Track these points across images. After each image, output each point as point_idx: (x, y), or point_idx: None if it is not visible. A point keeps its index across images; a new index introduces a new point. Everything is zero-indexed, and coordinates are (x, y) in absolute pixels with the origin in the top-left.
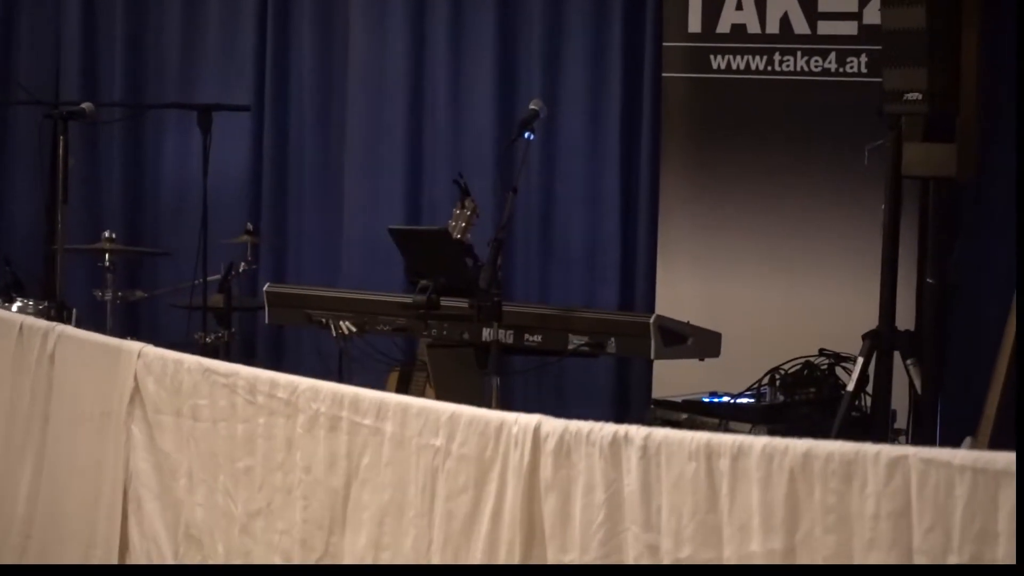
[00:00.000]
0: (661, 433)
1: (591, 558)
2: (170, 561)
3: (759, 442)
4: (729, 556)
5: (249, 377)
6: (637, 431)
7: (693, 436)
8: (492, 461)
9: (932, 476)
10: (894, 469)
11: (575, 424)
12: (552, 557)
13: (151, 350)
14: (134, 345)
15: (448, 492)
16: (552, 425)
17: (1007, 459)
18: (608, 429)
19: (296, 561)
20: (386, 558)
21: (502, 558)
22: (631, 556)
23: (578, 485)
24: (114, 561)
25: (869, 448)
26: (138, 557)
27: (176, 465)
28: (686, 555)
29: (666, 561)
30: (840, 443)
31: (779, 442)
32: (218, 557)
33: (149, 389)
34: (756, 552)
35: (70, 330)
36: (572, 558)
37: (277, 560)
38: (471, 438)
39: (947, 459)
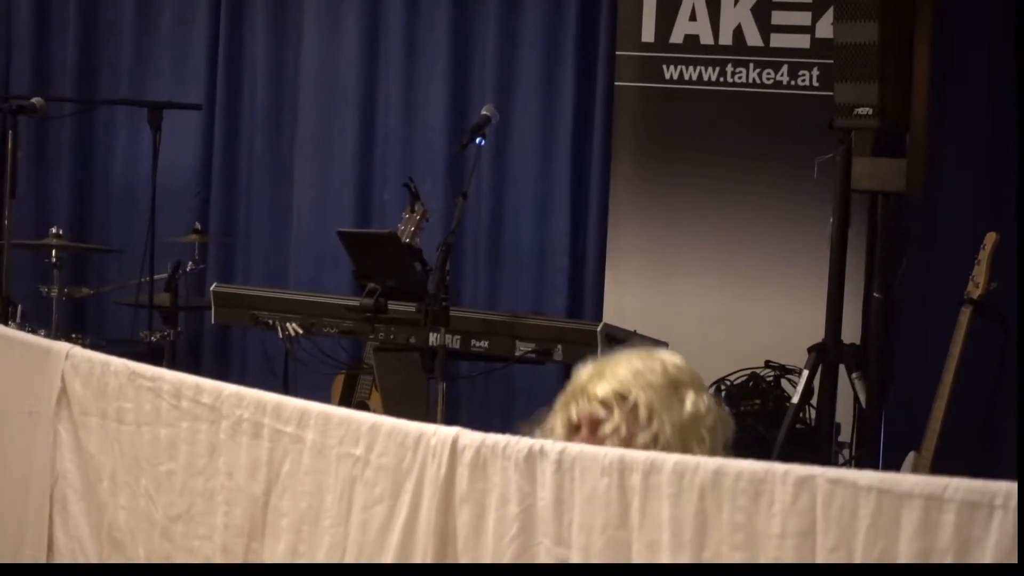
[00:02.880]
0: (576, 448)
1: None
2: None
3: (671, 459)
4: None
5: (174, 381)
6: (553, 446)
7: (607, 452)
8: (409, 472)
9: (838, 496)
10: (801, 488)
11: (492, 437)
12: None
13: (79, 351)
14: (62, 346)
15: (365, 501)
16: (470, 438)
17: (912, 481)
18: (524, 443)
19: None
20: None
21: None
22: None
23: (492, 498)
24: (42, 560)
25: (778, 467)
26: (63, 557)
27: (100, 466)
28: None
29: None
30: (751, 462)
31: (690, 459)
32: (139, 560)
33: (76, 390)
34: None
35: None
36: None
37: None
38: (390, 448)
39: (853, 480)
